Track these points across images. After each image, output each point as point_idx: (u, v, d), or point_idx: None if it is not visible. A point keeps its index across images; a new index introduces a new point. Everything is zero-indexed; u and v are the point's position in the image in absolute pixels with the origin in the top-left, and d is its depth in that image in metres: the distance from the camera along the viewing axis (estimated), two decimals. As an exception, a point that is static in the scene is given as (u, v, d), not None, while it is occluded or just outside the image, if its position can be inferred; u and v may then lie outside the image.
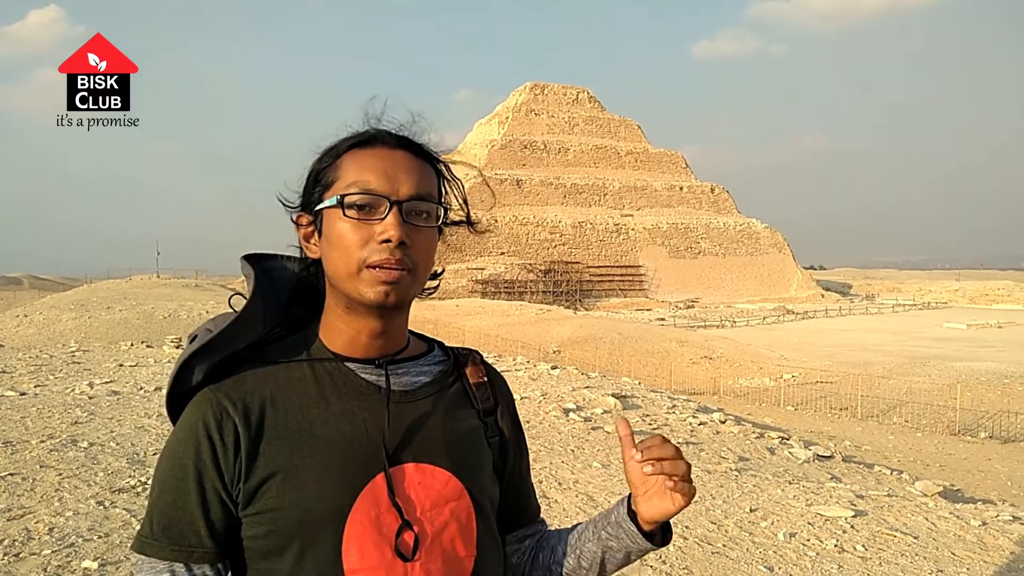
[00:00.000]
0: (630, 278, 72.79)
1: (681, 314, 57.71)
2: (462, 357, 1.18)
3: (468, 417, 1.11)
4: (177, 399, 1.01)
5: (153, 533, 0.95)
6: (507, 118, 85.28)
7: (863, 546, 4.97)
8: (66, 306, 27.59)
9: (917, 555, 4.85)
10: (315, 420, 0.98)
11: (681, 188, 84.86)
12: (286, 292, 1.11)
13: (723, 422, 11.12)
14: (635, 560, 1.11)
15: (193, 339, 1.01)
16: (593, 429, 9.06)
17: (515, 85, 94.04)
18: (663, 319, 51.24)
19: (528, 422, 9.29)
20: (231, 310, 1.04)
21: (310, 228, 1.05)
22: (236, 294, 1.09)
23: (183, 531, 0.94)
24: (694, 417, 11.03)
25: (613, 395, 11.63)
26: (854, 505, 6.04)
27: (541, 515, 1.25)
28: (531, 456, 6.10)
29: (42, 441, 6.85)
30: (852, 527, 5.42)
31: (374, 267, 0.97)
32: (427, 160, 1.06)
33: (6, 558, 4.06)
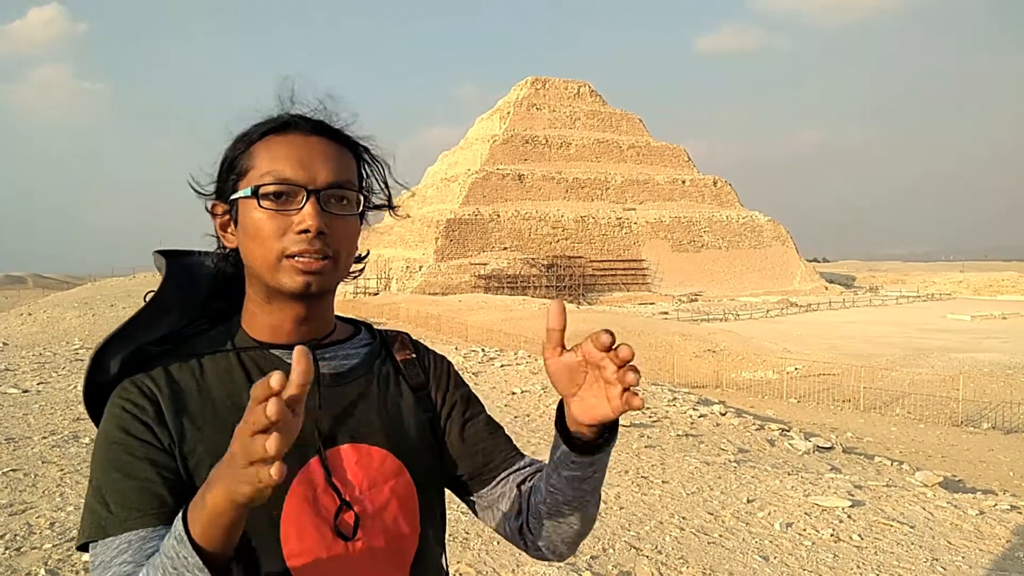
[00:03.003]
0: (633, 272, 72.71)
1: (684, 308, 57.65)
2: (389, 338, 1.18)
3: (400, 394, 1.11)
4: (95, 396, 0.98)
5: (111, 512, 0.89)
6: (508, 113, 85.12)
7: (859, 535, 4.99)
8: (70, 304, 27.69)
9: (913, 544, 4.87)
10: (242, 407, 0.85)
11: (684, 182, 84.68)
12: (204, 286, 1.10)
13: (723, 414, 11.14)
14: (584, 485, 0.99)
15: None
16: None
17: (516, 80, 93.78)
18: (666, 313, 51.19)
19: (528, 415, 9.31)
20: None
21: (226, 217, 1.02)
22: (151, 291, 1.06)
23: (142, 497, 0.90)
24: (694, 409, 11.05)
25: (614, 388, 11.64)
26: (852, 495, 6.06)
27: (523, 460, 1.16)
28: (531, 449, 6.16)
29: (44, 437, 6.90)
30: (849, 517, 5.44)
31: (293, 256, 0.95)
32: (346, 145, 1.04)
33: (8, 552, 4.10)
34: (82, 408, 6.10)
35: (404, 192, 1.18)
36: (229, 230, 1.03)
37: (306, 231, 0.95)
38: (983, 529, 5.27)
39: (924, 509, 5.79)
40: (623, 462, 6.99)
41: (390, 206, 1.13)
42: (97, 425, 0.98)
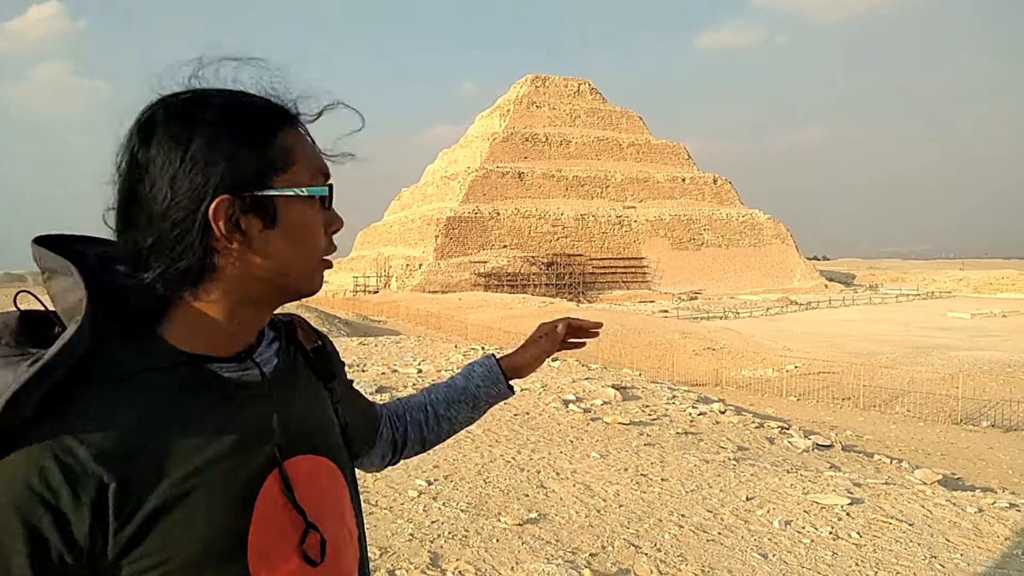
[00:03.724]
0: (633, 270, 72.77)
1: (684, 306, 57.71)
2: (289, 327, 1.05)
3: (319, 392, 1.04)
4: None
5: None
6: (508, 111, 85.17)
7: (858, 533, 5.00)
8: (70, 302, 27.74)
9: (911, 541, 4.87)
10: (189, 439, 0.81)
11: (683, 179, 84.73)
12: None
13: (723, 412, 11.14)
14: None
15: None
16: (592, 420, 9.09)
17: (516, 77, 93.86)
18: (666, 311, 51.23)
19: (527, 413, 9.32)
20: (15, 308, 0.84)
21: (235, 217, 0.83)
22: (23, 291, 0.86)
23: None
24: (694, 407, 11.05)
25: (613, 386, 11.65)
26: (851, 493, 6.06)
27: (380, 408, 1.30)
28: (530, 447, 6.17)
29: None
30: (848, 514, 5.44)
31: (325, 258, 0.93)
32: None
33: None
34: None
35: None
36: (253, 230, 0.85)
37: (336, 231, 0.94)
38: (982, 527, 5.27)
39: (923, 507, 5.79)
40: (622, 460, 7.00)
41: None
42: None
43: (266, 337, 0.98)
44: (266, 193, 0.85)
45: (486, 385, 1.36)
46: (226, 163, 0.82)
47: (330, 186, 0.91)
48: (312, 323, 1.14)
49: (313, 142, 0.92)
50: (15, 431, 0.74)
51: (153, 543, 0.77)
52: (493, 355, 1.40)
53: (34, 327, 0.84)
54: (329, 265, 0.93)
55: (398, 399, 1.35)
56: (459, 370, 1.41)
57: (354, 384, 1.20)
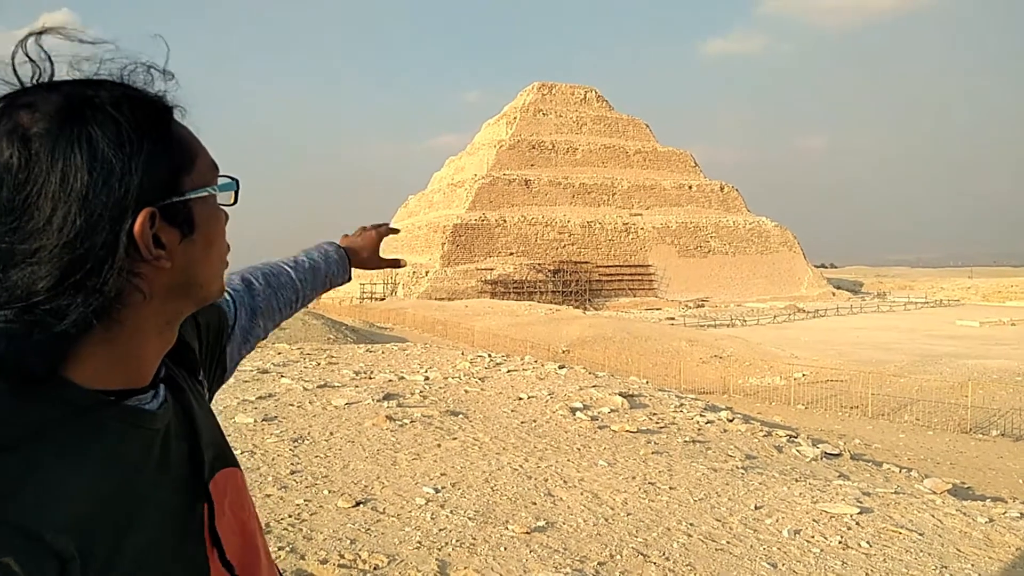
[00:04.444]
0: (639, 277, 72.72)
1: (691, 313, 57.60)
2: None
3: (197, 393, 0.90)
4: None
5: None
6: (515, 118, 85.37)
7: (868, 542, 4.97)
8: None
9: (922, 551, 4.84)
10: (138, 488, 0.71)
11: (690, 187, 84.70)
12: None
13: (731, 420, 11.11)
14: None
15: None
16: (599, 428, 9.07)
17: (523, 85, 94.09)
18: (673, 318, 51.15)
19: (535, 421, 9.31)
20: None
21: (153, 229, 0.70)
22: None
23: None
24: (701, 416, 11.02)
25: (620, 394, 11.63)
26: (860, 502, 6.03)
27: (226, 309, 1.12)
28: (537, 455, 6.13)
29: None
30: (857, 524, 5.41)
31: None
32: None
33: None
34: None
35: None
36: (174, 244, 0.72)
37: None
38: (993, 537, 5.24)
39: (933, 516, 5.76)
40: (630, 468, 6.98)
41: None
42: None
43: None
44: (186, 198, 0.73)
45: (337, 274, 1.47)
46: (142, 168, 0.68)
47: (236, 180, 0.81)
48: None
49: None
50: None
51: None
52: (340, 247, 1.52)
53: None
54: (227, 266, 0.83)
55: (266, 273, 1.29)
56: (311, 251, 1.45)
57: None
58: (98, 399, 0.70)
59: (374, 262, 1.57)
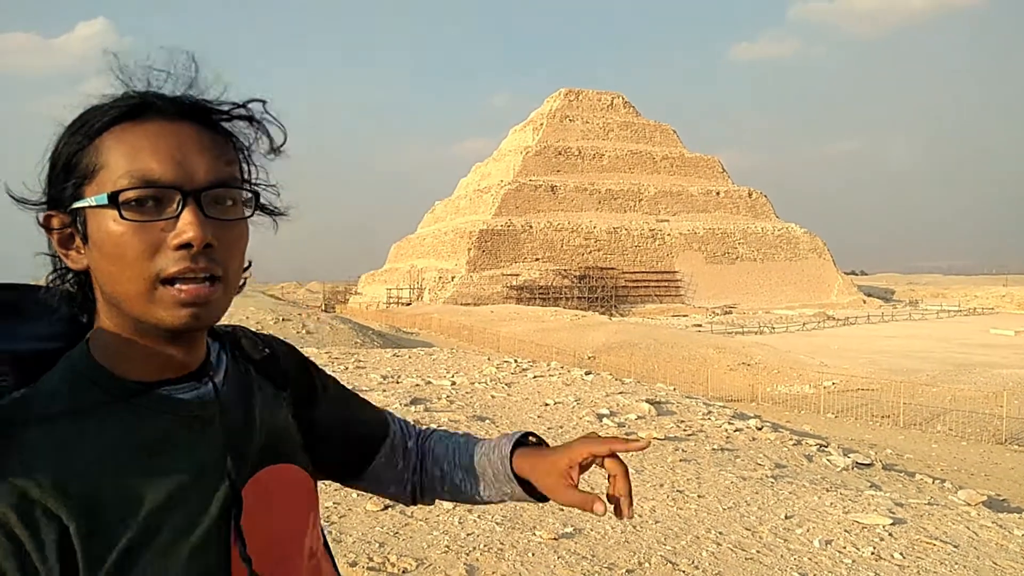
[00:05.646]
0: (666, 284, 72.30)
1: (718, 320, 57.14)
2: (231, 337, 0.96)
3: (272, 399, 0.94)
4: None
5: None
6: (541, 124, 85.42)
7: (901, 554, 4.89)
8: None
9: (956, 564, 4.76)
10: (152, 474, 0.76)
11: (718, 193, 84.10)
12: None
13: (759, 429, 11.00)
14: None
15: None
16: (627, 435, 9.03)
17: (549, 91, 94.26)
18: (700, 325, 50.77)
19: (561, 427, 9.29)
20: None
21: (67, 231, 0.77)
22: None
23: None
24: (730, 423, 10.92)
25: (647, 401, 11.58)
26: (893, 513, 5.94)
27: (395, 423, 1.16)
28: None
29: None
30: (890, 535, 5.33)
31: (171, 281, 0.73)
32: (219, 130, 0.81)
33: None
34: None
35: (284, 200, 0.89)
36: (75, 246, 0.78)
37: (187, 246, 0.73)
38: (1030, 550, 5.13)
39: (968, 528, 5.66)
40: (658, 475, 6.95)
41: (274, 212, 0.87)
42: None
43: (212, 350, 0.89)
44: (74, 206, 0.76)
45: (496, 483, 1.09)
46: (48, 179, 0.78)
47: (116, 193, 0.73)
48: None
49: (206, 133, 0.79)
50: None
51: None
52: (513, 445, 1.08)
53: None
54: (194, 292, 0.74)
55: (432, 436, 1.19)
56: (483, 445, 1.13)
57: (372, 394, 1.10)
58: (131, 387, 0.78)
59: (561, 493, 1.00)
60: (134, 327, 0.78)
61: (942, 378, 25.09)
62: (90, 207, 0.74)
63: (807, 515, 5.81)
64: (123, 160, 0.74)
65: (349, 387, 1.15)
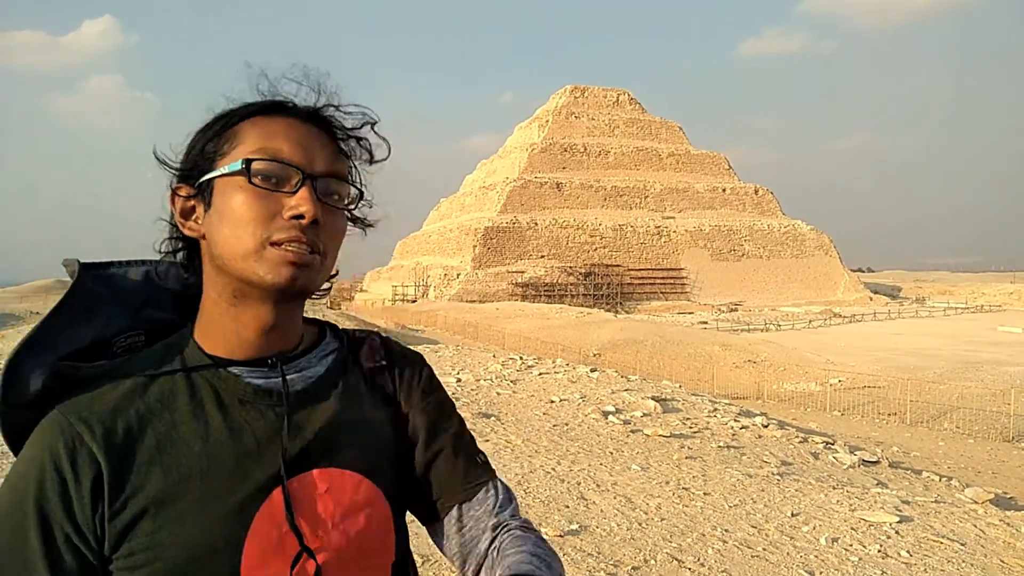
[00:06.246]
0: (672, 281, 72.13)
1: (724, 317, 57.00)
2: (357, 342, 1.04)
3: (371, 409, 0.98)
4: (15, 416, 0.83)
5: None
6: (547, 121, 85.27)
7: (908, 552, 4.88)
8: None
9: (964, 562, 4.74)
10: (193, 438, 0.83)
11: (724, 190, 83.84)
12: (133, 294, 0.93)
13: (766, 426, 10.98)
14: None
15: None
16: (632, 432, 9.02)
17: (555, 88, 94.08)
18: (705, 322, 50.66)
19: (567, 424, 9.29)
20: None
21: (191, 202, 0.89)
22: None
23: None
24: (736, 421, 10.91)
25: (653, 398, 11.57)
26: (899, 511, 5.93)
27: (492, 492, 1.02)
28: (570, 458, 6.14)
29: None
30: (897, 532, 5.32)
31: (279, 245, 0.83)
32: (339, 139, 0.93)
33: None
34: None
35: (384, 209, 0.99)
36: (194, 217, 0.89)
37: (299, 216, 0.83)
38: (1038, 548, 5.11)
39: (975, 526, 5.64)
40: (664, 473, 6.94)
41: (362, 222, 0.98)
42: (15, 453, 0.82)
43: (322, 347, 0.98)
44: (205, 178, 0.87)
45: None
46: (184, 156, 0.89)
47: (250, 160, 0.84)
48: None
49: (328, 136, 0.90)
50: (31, 404, 0.82)
51: (142, 540, 0.79)
52: None
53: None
54: (299, 255, 0.84)
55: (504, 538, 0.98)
56: None
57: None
58: (201, 360, 0.89)
59: None
60: (233, 290, 0.87)
61: (949, 376, 25.00)
62: (221, 175, 0.85)
63: (813, 513, 5.80)
64: (258, 139, 0.86)
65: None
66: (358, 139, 0.94)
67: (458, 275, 66.34)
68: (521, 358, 17.94)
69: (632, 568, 4.40)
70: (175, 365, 0.88)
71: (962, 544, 5.12)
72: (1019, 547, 5.13)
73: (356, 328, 1.07)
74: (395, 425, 0.99)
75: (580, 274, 67.34)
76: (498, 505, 1.01)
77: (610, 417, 9.79)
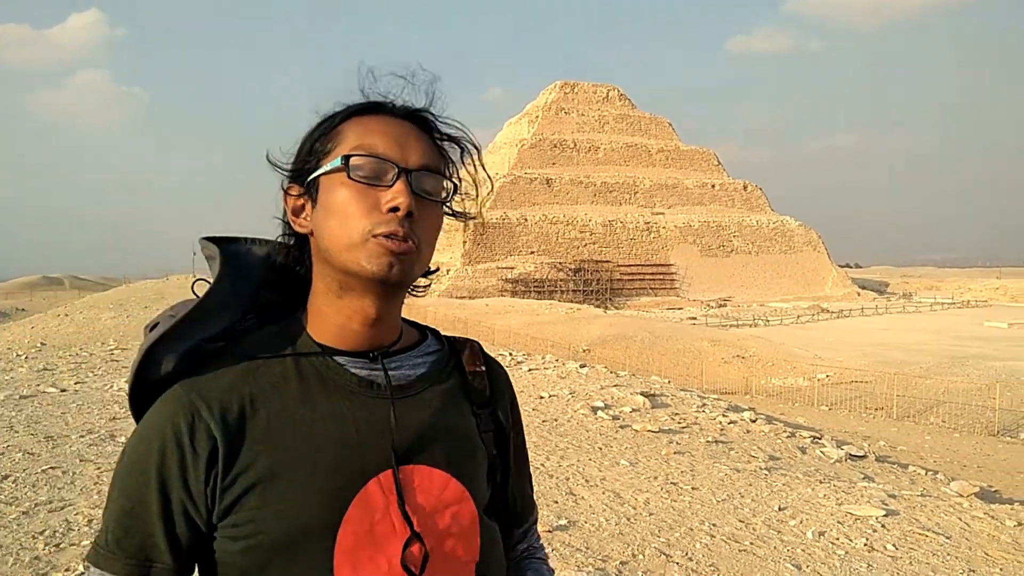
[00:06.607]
0: (661, 277, 72.30)
1: (713, 313, 57.20)
2: (459, 345, 1.09)
3: (464, 412, 1.02)
4: (142, 393, 0.91)
5: (108, 544, 0.86)
6: (537, 117, 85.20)
7: (894, 545, 4.92)
8: (105, 306, 28.26)
9: (949, 555, 4.78)
10: (300, 422, 0.89)
11: (713, 186, 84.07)
12: (255, 276, 1.00)
13: (754, 421, 11.03)
14: None
15: (154, 327, 0.93)
16: (621, 427, 9.05)
17: (545, 84, 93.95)
18: (695, 318, 50.82)
19: (556, 420, 9.30)
20: (194, 296, 0.95)
21: (301, 200, 0.95)
22: (199, 279, 0.98)
23: (141, 543, 0.85)
24: (724, 416, 10.95)
25: (642, 394, 11.60)
26: (886, 505, 5.97)
27: (535, 520, 1.17)
28: (559, 454, 6.14)
29: (82, 436, 7.04)
30: (883, 526, 5.36)
31: (379, 237, 0.87)
32: (434, 137, 0.98)
33: (47, 548, 4.19)
34: (118, 407, 6.18)
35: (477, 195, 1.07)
36: (304, 214, 0.95)
37: (395, 209, 0.88)
38: (1021, 541, 5.16)
39: (960, 520, 5.68)
40: (652, 468, 6.96)
41: (461, 213, 1.04)
42: (138, 421, 0.91)
43: (424, 347, 1.04)
44: (311, 176, 0.93)
45: None
46: (295, 157, 0.96)
47: (348, 156, 0.89)
48: None
49: (423, 133, 0.96)
50: (159, 385, 0.90)
51: (246, 514, 0.85)
52: None
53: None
54: (396, 245, 0.88)
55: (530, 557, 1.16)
56: None
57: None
58: (310, 347, 0.94)
59: None
60: (339, 283, 0.92)
61: (936, 370, 25.18)
62: (325, 172, 0.91)
63: (800, 507, 5.83)
64: (356, 137, 0.91)
65: None
66: (451, 138, 0.99)
67: (448, 271, 66.25)
68: (511, 354, 17.94)
69: (620, 563, 4.42)
70: (287, 350, 0.94)
71: (947, 537, 5.16)
72: (1003, 540, 5.18)
73: (457, 336, 1.13)
74: (486, 431, 1.04)
75: (570, 270, 67.39)
76: (530, 524, 1.16)
77: (599, 413, 9.81)
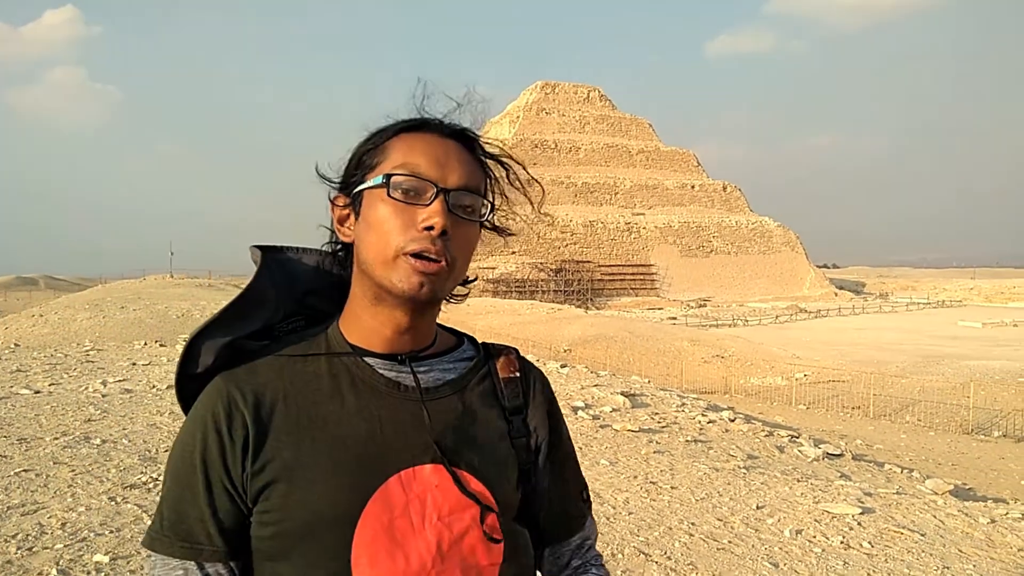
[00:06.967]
0: (641, 277, 72.65)
1: (693, 313, 57.57)
2: (495, 351, 1.12)
3: (493, 417, 1.04)
4: (188, 385, 0.98)
5: (163, 528, 0.92)
6: (518, 117, 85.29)
7: (869, 543, 4.97)
8: (81, 306, 27.85)
9: (923, 552, 4.84)
10: (328, 417, 0.93)
11: (693, 187, 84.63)
12: (301, 281, 1.06)
13: (732, 420, 11.11)
14: None
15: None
16: (601, 427, 9.07)
17: (526, 84, 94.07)
18: (675, 318, 51.11)
19: (537, 420, 9.31)
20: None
21: (346, 211, 1.00)
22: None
23: (192, 528, 0.91)
24: (703, 415, 11.02)
25: (622, 393, 11.64)
26: (862, 503, 6.03)
27: (587, 538, 1.16)
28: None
29: (56, 438, 6.93)
30: (859, 524, 5.41)
31: (412, 256, 0.91)
32: (476, 156, 1.02)
33: (20, 552, 4.12)
34: (93, 409, 6.09)
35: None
36: (347, 224, 1.00)
37: (430, 228, 0.91)
38: (994, 538, 5.24)
39: (935, 517, 5.76)
40: (632, 467, 6.98)
41: (499, 229, 1.07)
42: (186, 414, 0.97)
43: (458, 352, 1.07)
44: (358, 189, 0.98)
45: None
46: (344, 169, 1.01)
47: (390, 175, 0.93)
48: None
49: (466, 152, 0.99)
50: (202, 378, 0.96)
51: (274, 502, 0.90)
52: None
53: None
54: (426, 265, 0.91)
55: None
56: None
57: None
58: (344, 347, 0.99)
59: None
60: (374, 293, 0.96)
61: (911, 369, 25.52)
62: (368, 188, 0.95)
63: (778, 505, 5.88)
64: (400, 155, 0.95)
65: None
66: (493, 157, 1.04)
67: (428, 271, 66.14)
68: (491, 354, 17.88)
69: (600, 562, 4.42)
70: (321, 349, 0.99)
71: (922, 535, 5.23)
72: (977, 537, 5.26)
73: (496, 343, 1.14)
74: (518, 436, 1.05)
75: (551, 270, 67.51)
76: (585, 539, 1.15)
77: (580, 412, 9.83)
